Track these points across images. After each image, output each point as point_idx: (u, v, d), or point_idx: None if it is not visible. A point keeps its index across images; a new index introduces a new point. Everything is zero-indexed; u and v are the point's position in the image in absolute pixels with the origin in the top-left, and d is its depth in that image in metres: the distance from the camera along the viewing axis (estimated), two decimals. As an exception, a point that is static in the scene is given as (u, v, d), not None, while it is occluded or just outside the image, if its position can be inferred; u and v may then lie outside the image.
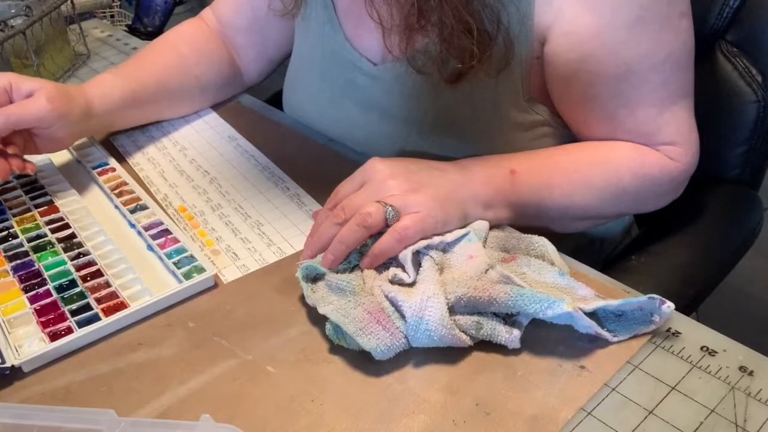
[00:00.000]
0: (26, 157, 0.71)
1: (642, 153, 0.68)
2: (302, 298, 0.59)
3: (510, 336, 0.53)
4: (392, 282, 0.56)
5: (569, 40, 0.65)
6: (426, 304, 0.52)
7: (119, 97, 0.78)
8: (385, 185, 0.60)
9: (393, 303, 0.54)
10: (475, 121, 0.71)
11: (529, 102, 0.71)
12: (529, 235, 0.62)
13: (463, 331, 0.53)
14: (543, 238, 0.61)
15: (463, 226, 0.61)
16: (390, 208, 0.58)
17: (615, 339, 0.53)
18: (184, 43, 0.87)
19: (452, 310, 0.53)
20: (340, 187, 0.63)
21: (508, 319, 0.54)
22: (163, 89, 0.83)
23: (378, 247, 0.58)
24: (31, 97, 0.69)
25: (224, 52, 0.89)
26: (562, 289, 0.55)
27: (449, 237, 0.59)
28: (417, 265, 0.57)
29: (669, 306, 0.53)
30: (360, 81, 0.76)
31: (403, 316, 0.53)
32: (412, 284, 0.56)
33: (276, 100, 0.97)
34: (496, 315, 0.54)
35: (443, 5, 0.62)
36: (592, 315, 0.53)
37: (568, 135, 0.73)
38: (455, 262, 0.58)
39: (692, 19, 0.66)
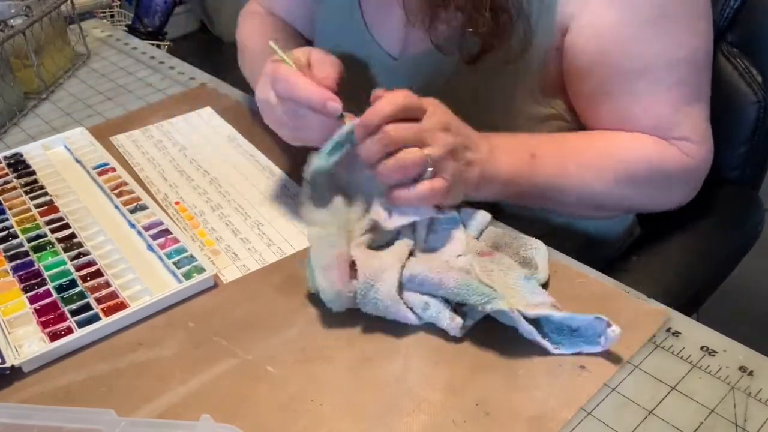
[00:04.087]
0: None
1: (660, 147, 0.68)
2: (302, 298, 0.59)
3: (452, 323, 0.53)
4: (369, 226, 0.58)
5: (589, 32, 0.65)
6: (381, 276, 0.54)
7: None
8: (438, 135, 0.57)
9: (353, 264, 0.56)
10: (490, 115, 0.71)
11: (545, 95, 0.71)
12: (527, 237, 0.62)
13: (410, 308, 0.54)
14: (539, 241, 0.61)
15: (471, 205, 0.63)
16: (429, 171, 0.56)
17: (556, 351, 0.53)
18: (268, 23, 0.88)
19: (404, 286, 0.55)
20: (401, 96, 0.57)
21: (459, 308, 0.55)
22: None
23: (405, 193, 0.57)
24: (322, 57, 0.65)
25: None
26: (515, 290, 0.55)
27: (443, 216, 0.60)
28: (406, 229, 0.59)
29: (614, 330, 0.51)
30: (376, 72, 0.76)
31: None
32: (379, 247, 0.58)
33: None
34: (448, 301, 0.55)
35: None
36: (553, 324, 0.53)
37: (582, 129, 0.73)
38: (432, 243, 0.59)
39: (711, 22, 0.66)
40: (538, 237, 0.65)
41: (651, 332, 0.54)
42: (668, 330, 0.55)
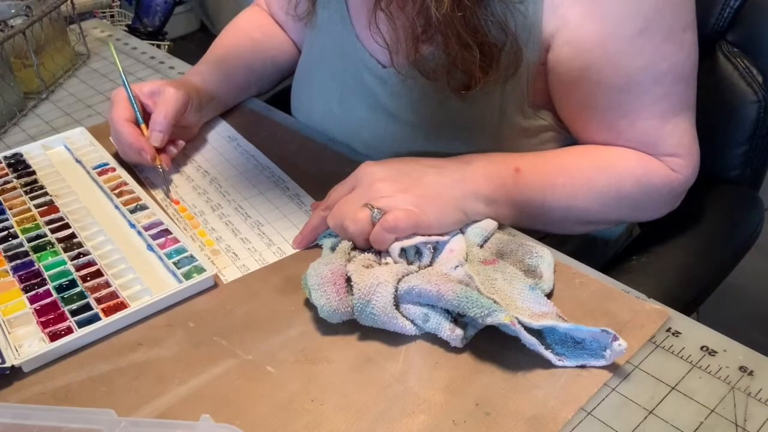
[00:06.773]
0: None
1: (645, 161, 0.68)
2: (302, 298, 0.59)
3: (452, 334, 0.53)
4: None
5: (572, 48, 0.65)
6: (375, 290, 0.54)
7: (217, 86, 0.85)
8: (374, 188, 0.61)
9: (348, 280, 0.56)
10: (481, 127, 0.71)
11: (534, 108, 0.70)
12: (533, 243, 0.62)
13: (411, 321, 0.55)
14: (545, 248, 0.61)
15: (471, 223, 0.62)
16: (376, 211, 0.59)
17: (560, 363, 0.52)
18: (254, 28, 0.93)
19: (403, 298, 0.55)
20: (333, 190, 0.65)
21: (459, 318, 0.55)
22: (249, 73, 0.90)
23: (370, 237, 0.59)
24: (161, 94, 0.76)
25: (286, 34, 0.94)
26: (519, 299, 0.55)
27: (447, 237, 0.60)
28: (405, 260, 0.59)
29: (620, 344, 0.50)
30: (368, 81, 0.76)
31: None
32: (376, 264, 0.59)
33: (276, 100, 0.97)
34: (448, 312, 0.54)
35: (446, 25, 0.62)
36: (556, 335, 0.53)
37: (572, 140, 0.73)
38: (436, 257, 0.59)
39: (697, 32, 0.66)
40: (538, 237, 0.65)
41: (651, 332, 0.54)
42: (668, 330, 0.55)
